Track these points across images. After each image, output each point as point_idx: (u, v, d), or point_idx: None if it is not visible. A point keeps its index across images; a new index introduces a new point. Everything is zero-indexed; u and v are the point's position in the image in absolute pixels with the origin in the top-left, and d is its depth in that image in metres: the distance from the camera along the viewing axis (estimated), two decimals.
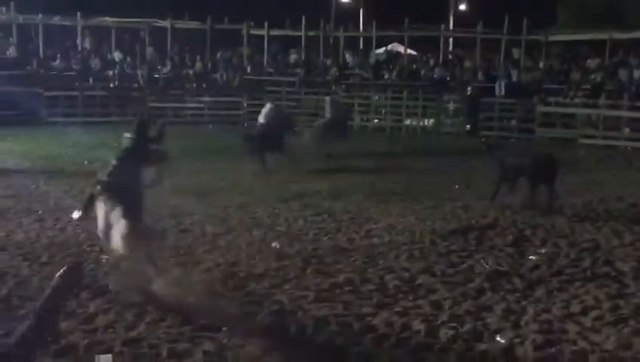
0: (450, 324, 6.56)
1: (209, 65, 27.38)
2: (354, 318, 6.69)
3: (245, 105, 25.54)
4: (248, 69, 27.31)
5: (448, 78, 25.24)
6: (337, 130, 18.00)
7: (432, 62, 26.54)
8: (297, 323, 6.57)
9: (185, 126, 23.23)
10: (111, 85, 25.86)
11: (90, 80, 25.99)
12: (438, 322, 6.63)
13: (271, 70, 27.18)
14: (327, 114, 18.85)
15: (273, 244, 9.26)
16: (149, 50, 27.68)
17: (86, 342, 6.09)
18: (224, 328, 6.39)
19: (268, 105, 16.79)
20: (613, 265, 8.43)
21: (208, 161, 16.44)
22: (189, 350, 5.99)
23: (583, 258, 8.75)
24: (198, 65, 27.21)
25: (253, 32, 28.02)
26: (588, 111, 21.51)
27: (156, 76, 26.64)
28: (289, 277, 7.91)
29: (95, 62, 26.71)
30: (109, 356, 5.82)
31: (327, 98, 20.20)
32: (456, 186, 13.53)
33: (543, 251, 9.04)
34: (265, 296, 7.26)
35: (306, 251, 8.96)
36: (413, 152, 18.53)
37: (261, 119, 16.39)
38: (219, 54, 28.06)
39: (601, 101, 21.12)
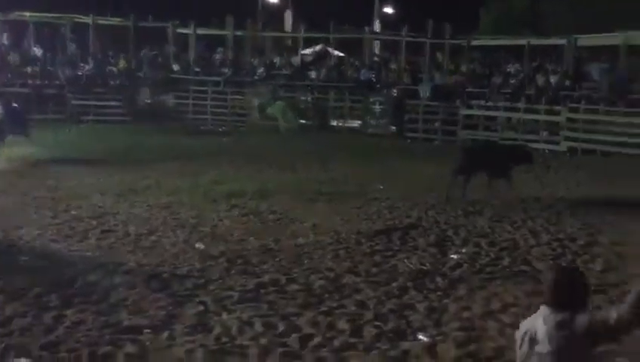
0: (374, 323, 6.62)
1: (133, 63, 26.88)
2: (279, 318, 6.68)
3: (171, 103, 25.19)
4: (175, 68, 26.96)
5: (374, 80, 25.53)
6: None
7: (357, 63, 26.78)
8: (222, 324, 6.52)
9: (107, 124, 22.80)
10: (29, 82, 25.05)
11: (9, 75, 25.13)
12: (363, 321, 6.68)
13: (197, 69, 26.91)
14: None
15: (197, 245, 9.17)
16: (71, 46, 26.97)
17: (3, 345, 5.88)
18: (147, 330, 6.28)
19: None
20: (530, 264, 8.69)
21: (133, 159, 16.14)
22: (111, 353, 5.85)
23: (503, 257, 8.99)
24: (122, 63, 26.68)
25: (179, 30, 27.68)
26: (508, 114, 22.13)
27: (79, 74, 25.99)
28: (213, 277, 7.84)
29: (14, 58, 25.84)
30: (27, 360, 5.64)
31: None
32: (381, 187, 13.68)
33: (464, 250, 9.24)
34: (189, 297, 7.17)
35: (231, 252, 8.90)
36: (338, 153, 18.63)
37: None
38: (143, 52, 27.59)
39: (521, 105, 21.76)
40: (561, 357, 3.45)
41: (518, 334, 3.67)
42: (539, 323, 3.56)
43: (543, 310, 3.58)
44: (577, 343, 3.44)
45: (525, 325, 3.66)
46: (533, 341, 3.55)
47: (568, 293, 3.52)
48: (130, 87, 25.42)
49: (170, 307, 6.89)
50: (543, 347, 3.50)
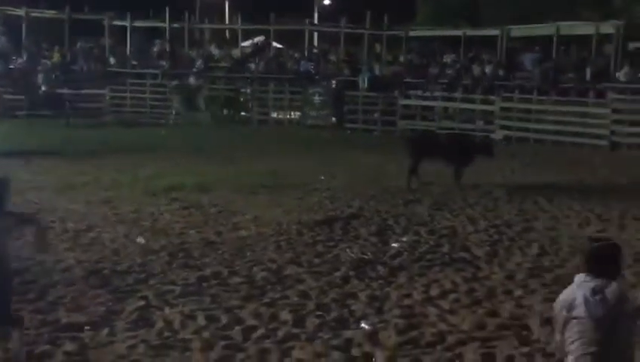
0: (316, 313, 6.65)
1: (68, 56, 26.25)
2: (222, 311, 6.64)
3: (108, 97, 24.76)
4: (111, 61, 26.45)
5: (313, 72, 25.54)
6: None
7: (297, 55, 26.76)
8: (164, 319, 6.45)
9: (42, 119, 22.24)
10: None
11: None
12: (306, 311, 6.70)
13: (134, 62, 26.45)
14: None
15: (138, 239, 9.04)
16: (2, 39, 26.17)
17: None
18: (87, 327, 6.17)
19: None
20: (469, 250, 8.86)
21: (70, 154, 15.79)
22: (49, 352, 5.72)
23: (442, 244, 9.14)
24: (56, 56, 26.03)
25: (116, 22, 27.15)
26: (445, 104, 22.44)
27: (10, 67, 25.25)
28: (155, 272, 7.75)
29: None
30: None
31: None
32: (322, 177, 13.72)
33: (404, 239, 9.34)
34: (130, 293, 7.07)
35: (173, 245, 8.80)
36: (279, 145, 18.61)
37: None
38: (78, 45, 26.97)
39: (457, 95, 22.10)
40: (598, 320, 3.77)
41: (556, 305, 3.97)
42: (575, 289, 3.89)
43: (579, 278, 3.91)
44: (613, 308, 3.77)
45: (562, 295, 3.96)
46: (571, 306, 3.86)
47: (606, 263, 3.88)
48: (27, 76, 24.62)
49: (110, 303, 6.79)
50: (579, 311, 3.81)
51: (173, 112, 23.60)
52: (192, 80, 24.53)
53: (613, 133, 19.16)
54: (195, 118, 23.01)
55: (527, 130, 20.53)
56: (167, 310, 6.66)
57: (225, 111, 24.36)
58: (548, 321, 6.41)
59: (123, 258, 8.27)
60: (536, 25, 23.56)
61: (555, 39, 22.57)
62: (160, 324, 6.33)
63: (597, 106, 19.91)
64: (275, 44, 28.00)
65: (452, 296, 7.18)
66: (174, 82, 24.34)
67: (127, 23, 26.89)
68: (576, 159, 17.31)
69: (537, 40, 23.96)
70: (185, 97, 23.61)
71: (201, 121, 22.67)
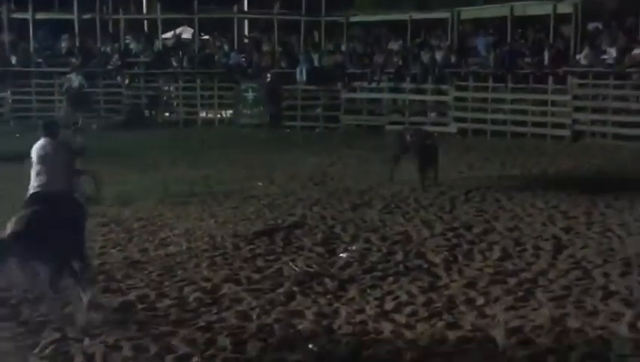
0: (258, 336, 6.62)
1: None
2: (150, 339, 6.55)
3: (10, 101, 24.24)
4: (12, 60, 25.86)
5: (245, 64, 25.47)
6: None
7: (226, 47, 26.64)
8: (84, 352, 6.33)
9: None
10: None
11: None
12: (246, 335, 6.66)
13: (39, 60, 25.92)
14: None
15: None
16: None
17: None
18: None
19: None
20: (425, 257, 8.95)
21: None
22: None
23: (395, 251, 9.21)
24: None
25: (15, 15, 26.55)
26: (393, 96, 22.66)
27: None
28: (71, 299, 7.58)
29: None
30: None
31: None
32: (259, 183, 13.69)
33: (354, 248, 9.39)
34: (42, 324, 6.91)
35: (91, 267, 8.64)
36: (210, 148, 18.49)
37: None
38: None
39: (406, 85, 22.33)
40: None
41: None
42: None
43: None
44: None
45: None
46: None
47: None
48: None
49: (20, 337, 6.62)
50: None
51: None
52: (73, 77, 23.81)
53: (575, 121, 19.65)
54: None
55: (483, 121, 20.89)
56: (87, 341, 6.53)
57: (146, 113, 24.11)
58: (513, 331, 6.55)
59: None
60: (488, 5, 23.95)
61: (509, 21, 23.00)
62: (79, 358, 6.21)
63: (557, 93, 20.37)
64: (200, 34, 27.80)
65: (408, 308, 7.24)
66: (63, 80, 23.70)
67: (28, 16, 26.30)
68: (537, 151, 17.71)
69: (490, 22, 24.39)
70: (72, 98, 23.06)
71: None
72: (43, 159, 7.23)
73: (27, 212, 6.89)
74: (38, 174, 7.21)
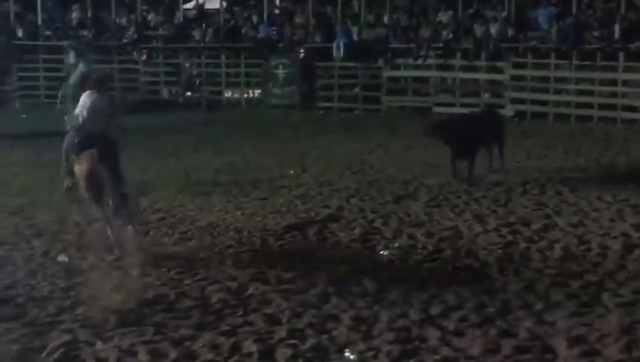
0: (288, 342, 6.65)
1: None
2: (169, 344, 6.61)
3: (15, 78, 24.56)
4: (19, 32, 26.20)
5: (276, 38, 25.49)
6: None
7: (255, 18, 26.68)
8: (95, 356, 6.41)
9: None
10: None
11: None
12: (275, 340, 6.69)
13: (48, 33, 26.21)
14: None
15: (60, 258, 9.01)
16: None
17: None
18: None
19: None
20: (476, 256, 8.91)
21: None
22: None
23: (443, 249, 9.18)
24: None
25: None
26: (441, 74, 22.54)
27: None
28: (82, 298, 7.69)
29: None
30: None
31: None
32: (291, 171, 13.73)
33: (396, 245, 9.38)
34: (51, 325, 7.02)
35: (104, 263, 8.75)
36: (235, 132, 18.57)
37: None
38: None
39: (456, 62, 22.19)
40: None
41: None
42: None
43: None
44: None
45: None
46: None
47: None
48: None
49: (26, 339, 6.72)
50: None
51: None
52: (71, 58, 23.80)
53: None
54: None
55: (544, 103, 20.70)
56: (99, 345, 6.62)
57: (165, 92, 24.26)
58: (576, 341, 6.50)
59: (42, 281, 8.21)
60: None
61: None
62: None
63: (629, 71, 20.11)
64: (225, 4, 27.89)
65: (457, 313, 7.21)
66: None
67: None
68: (605, 137, 17.52)
69: None
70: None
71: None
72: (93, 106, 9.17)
73: (92, 151, 8.86)
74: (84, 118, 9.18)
